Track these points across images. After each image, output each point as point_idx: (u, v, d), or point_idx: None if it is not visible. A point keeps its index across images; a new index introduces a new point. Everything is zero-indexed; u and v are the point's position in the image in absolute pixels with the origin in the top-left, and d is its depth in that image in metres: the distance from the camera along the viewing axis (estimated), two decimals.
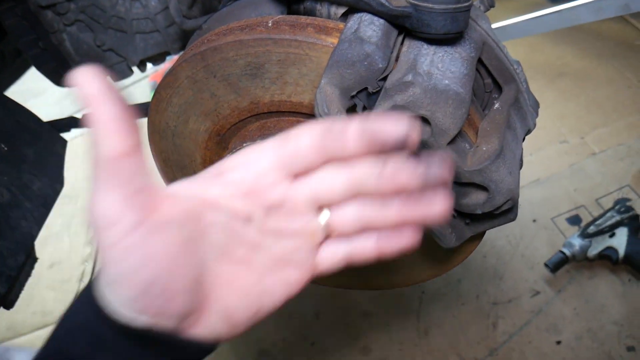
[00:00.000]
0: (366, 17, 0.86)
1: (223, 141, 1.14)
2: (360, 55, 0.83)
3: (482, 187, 0.90)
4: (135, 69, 2.14)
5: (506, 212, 0.95)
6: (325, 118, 0.86)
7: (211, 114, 1.08)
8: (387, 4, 0.83)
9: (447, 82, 0.83)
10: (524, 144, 1.03)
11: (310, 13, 1.00)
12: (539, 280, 2.24)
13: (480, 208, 0.92)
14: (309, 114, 1.02)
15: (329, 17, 0.97)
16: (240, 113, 1.06)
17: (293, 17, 0.94)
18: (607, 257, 2.14)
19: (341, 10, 0.95)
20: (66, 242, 3.41)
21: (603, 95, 2.98)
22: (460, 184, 0.91)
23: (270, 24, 0.94)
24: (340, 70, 0.85)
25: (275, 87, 0.98)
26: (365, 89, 0.86)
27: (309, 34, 0.90)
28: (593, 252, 2.17)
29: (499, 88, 1.02)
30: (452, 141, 0.86)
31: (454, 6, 0.79)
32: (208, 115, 1.09)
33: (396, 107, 0.83)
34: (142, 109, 2.09)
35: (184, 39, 2.03)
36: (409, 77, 0.81)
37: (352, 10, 0.90)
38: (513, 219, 0.99)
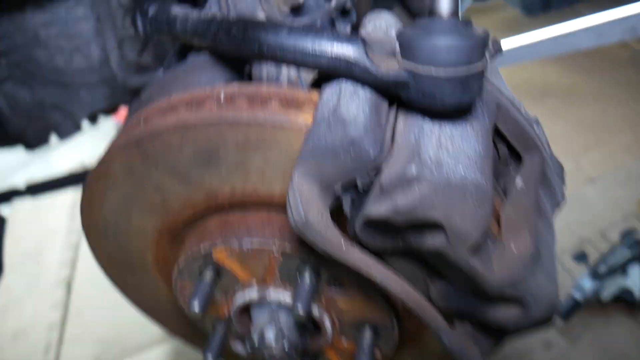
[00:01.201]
0: (347, 86, 0.65)
1: (177, 238, 0.91)
2: (343, 142, 0.61)
3: (515, 299, 0.68)
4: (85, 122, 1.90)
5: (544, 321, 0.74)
6: (303, 226, 0.63)
7: (158, 210, 0.85)
8: (374, 70, 0.61)
9: (462, 170, 0.61)
10: None
11: (274, 80, 0.79)
12: (550, 330, 2.02)
13: (513, 324, 0.70)
14: (281, 207, 0.80)
15: (297, 84, 0.75)
16: (194, 207, 0.83)
17: (251, 88, 0.72)
18: (622, 300, 1.95)
19: (313, 76, 0.73)
20: (29, 308, 3.12)
21: (591, 114, 2.82)
22: (486, 298, 0.69)
23: (222, 97, 0.72)
24: (318, 160, 0.63)
25: (235, 176, 0.76)
26: (354, 183, 0.65)
27: (273, 110, 0.68)
28: (606, 294, 1.97)
29: (516, 153, 0.81)
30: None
31: (466, 69, 0.58)
32: (154, 211, 0.86)
33: (398, 211, 0.61)
34: None
35: (136, 88, 1.80)
36: (412, 170, 0.60)
37: (327, 76, 0.68)
38: (550, 325, 0.77)
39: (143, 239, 0.92)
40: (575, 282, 2.04)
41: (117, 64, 1.24)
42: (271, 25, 0.65)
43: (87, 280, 3.41)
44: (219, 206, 0.82)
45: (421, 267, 0.73)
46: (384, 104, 0.66)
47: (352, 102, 0.63)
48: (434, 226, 0.62)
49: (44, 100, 1.67)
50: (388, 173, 0.61)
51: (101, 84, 1.68)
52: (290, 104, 0.69)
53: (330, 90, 0.66)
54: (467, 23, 0.59)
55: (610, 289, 1.96)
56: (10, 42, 1.50)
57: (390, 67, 0.62)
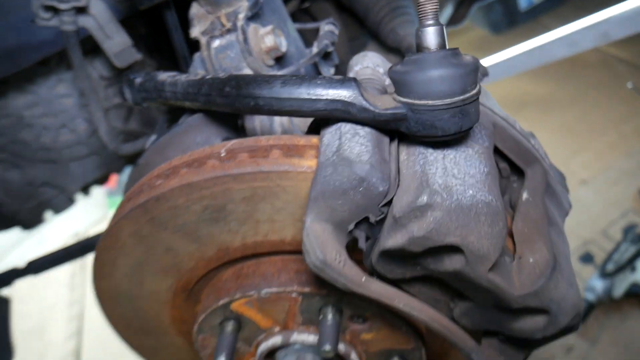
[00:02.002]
0: (346, 127, 0.66)
1: (192, 296, 0.91)
2: (352, 181, 0.62)
3: (539, 309, 0.69)
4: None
5: (570, 327, 0.74)
6: (321, 267, 0.64)
7: (171, 270, 0.85)
8: (372, 108, 0.63)
9: (471, 192, 0.62)
10: None
11: (269, 130, 0.80)
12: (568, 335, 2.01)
13: (541, 333, 0.70)
14: (295, 251, 0.80)
15: (291, 130, 0.76)
16: (207, 263, 0.83)
17: (251, 140, 0.73)
18: (635, 295, 1.95)
19: (309, 122, 0.75)
20: None
21: (572, 119, 2.88)
22: (511, 311, 0.69)
23: (223, 154, 0.72)
24: (329, 201, 0.64)
25: (245, 228, 0.76)
26: (366, 218, 0.65)
27: (275, 160, 0.69)
28: (618, 291, 1.97)
29: (517, 169, 0.82)
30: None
31: (462, 97, 0.60)
32: (167, 272, 0.85)
33: (415, 240, 0.61)
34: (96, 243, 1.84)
35: (126, 156, 1.81)
36: (424, 199, 0.60)
37: (324, 121, 0.69)
38: (576, 330, 0.77)
39: (158, 301, 0.91)
40: (586, 284, 2.04)
41: (106, 134, 1.25)
42: (264, 79, 0.66)
43: (96, 348, 3.34)
44: (232, 259, 0.82)
45: (441, 290, 0.73)
46: (385, 139, 0.68)
47: (354, 141, 0.65)
48: (452, 249, 0.63)
49: (35, 179, 1.67)
50: (400, 204, 0.62)
51: (90, 156, 1.68)
52: (292, 151, 0.70)
53: (331, 133, 0.67)
54: (455, 52, 0.61)
55: (621, 286, 1.96)
56: None
57: (386, 104, 0.64)
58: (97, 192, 3.99)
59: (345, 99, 0.63)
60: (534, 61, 1.57)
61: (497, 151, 0.80)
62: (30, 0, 1.14)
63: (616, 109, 2.81)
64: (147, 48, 1.55)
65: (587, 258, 2.19)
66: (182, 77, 0.83)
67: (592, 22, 1.43)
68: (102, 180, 1.88)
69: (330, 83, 0.64)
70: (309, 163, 0.68)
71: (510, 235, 0.75)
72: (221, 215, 0.75)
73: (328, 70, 1.06)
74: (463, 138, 0.68)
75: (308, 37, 1.34)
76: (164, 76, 0.89)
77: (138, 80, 0.94)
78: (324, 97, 0.64)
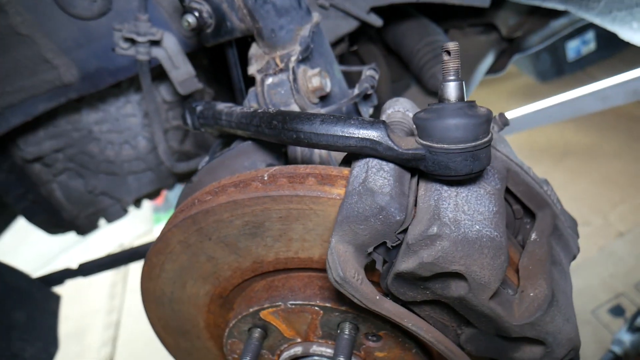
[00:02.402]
0: (373, 162, 0.76)
1: (227, 303, 1.01)
2: (373, 209, 0.72)
3: (537, 340, 0.76)
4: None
5: None
6: (341, 282, 0.73)
7: (210, 277, 0.96)
8: (396, 147, 0.73)
9: (477, 227, 0.71)
10: None
11: (309, 159, 0.91)
12: None
13: None
14: (320, 269, 0.90)
15: (329, 162, 0.87)
16: (242, 274, 0.94)
17: (291, 168, 0.84)
18: None
19: (343, 155, 0.85)
20: None
21: (615, 170, 2.88)
22: (511, 339, 0.77)
23: (266, 178, 0.84)
24: (352, 226, 0.73)
25: (279, 244, 0.87)
26: (384, 242, 0.74)
27: (310, 186, 0.80)
28: None
29: (530, 212, 0.90)
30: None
31: (474, 144, 0.69)
32: (207, 279, 0.96)
33: (424, 265, 0.70)
34: (143, 252, 1.98)
35: (178, 174, 1.96)
36: (434, 229, 0.69)
37: (355, 155, 0.80)
38: None
39: (196, 305, 1.02)
40: (614, 336, 2.04)
41: (164, 153, 1.39)
42: (306, 116, 0.77)
43: (128, 357, 3.47)
44: (264, 271, 0.92)
45: (449, 315, 0.81)
46: (407, 175, 0.77)
47: (378, 175, 0.74)
48: (457, 276, 0.71)
49: (96, 188, 1.83)
50: (413, 233, 0.71)
51: (147, 171, 1.84)
52: (325, 179, 0.81)
53: (359, 166, 0.77)
54: (471, 105, 0.71)
55: None
56: (67, 139, 1.68)
57: (409, 144, 0.74)
58: (145, 207, 4.21)
59: (374, 138, 0.74)
60: (566, 113, 1.63)
61: (511, 194, 0.89)
62: (112, 31, 1.31)
63: None
64: (207, 78, 1.71)
65: (617, 311, 2.19)
66: (237, 109, 0.96)
67: (623, 80, 1.49)
68: (154, 195, 2.04)
69: (362, 124, 0.74)
70: (338, 191, 0.79)
71: (518, 271, 0.82)
72: (259, 231, 0.85)
73: (367, 110, 1.17)
74: (476, 179, 0.77)
75: (354, 78, 1.46)
76: (222, 106, 1.02)
77: (199, 108, 1.07)
78: (356, 136, 0.74)
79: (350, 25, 1.49)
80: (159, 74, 1.51)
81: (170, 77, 1.39)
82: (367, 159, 0.77)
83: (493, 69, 1.89)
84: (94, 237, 4.08)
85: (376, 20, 1.50)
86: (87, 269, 1.89)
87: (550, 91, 3.41)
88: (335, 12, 1.45)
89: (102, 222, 2.03)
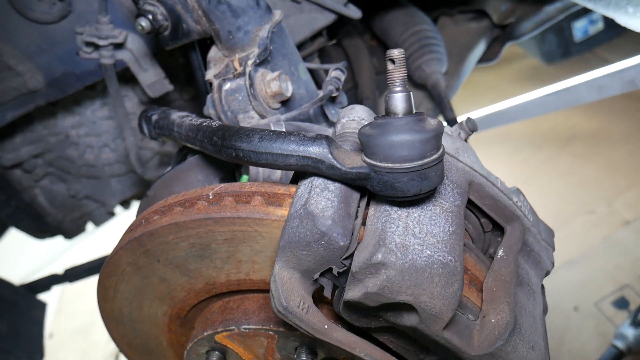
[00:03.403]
0: (318, 182, 0.70)
1: (186, 322, 0.97)
2: (314, 235, 0.66)
3: None
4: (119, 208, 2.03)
5: None
6: (284, 313, 0.68)
7: (166, 298, 0.91)
8: (339, 166, 0.67)
9: (429, 252, 0.65)
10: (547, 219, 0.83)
11: (269, 174, 0.85)
12: None
13: None
14: None
15: (283, 179, 0.81)
16: (197, 295, 0.89)
17: (237, 185, 0.78)
18: None
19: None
20: None
21: (621, 155, 2.78)
22: None
23: (211, 197, 0.78)
24: (295, 251, 0.68)
25: (229, 266, 0.82)
26: (330, 268, 0.69)
27: (254, 207, 0.74)
28: None
29: (500, 225, 0.84)
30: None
31: (421, 162, 0.63)
32: (163, 299, 0.92)
33: (369, 295, 0.64)
34: None
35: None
36: (378, 257, 0.64)
37: (302, 172, 0.74)
38: None
39: (156, 325, 0.97)
40: (617, 330, 1.97)
41: (135, 160, 1.35)
42: (244, 132, 0.72)
43: None
44: (217, 293, 0.87)
45: (409, 341, 0.76)
46: (355, 195, 0.71)
47: (321, 196, 0.69)
48: (407, 306, 0.65)
49: (79, 193, 1.80)
50: (357, 260, 0.66)
51: (129, 174, 1.80)
52: (272, 198, 0.75)
53: (305, 185, 0.71)
54: (419, 118, 0.64)
55: None
56: (45, 144, 1.64)
57: (354, 162, 0.68)
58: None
59: (316, 156, 0.68)
60: (563, 104, 1.55)
61: (478, 207, 0.82)
62: (75, 35, 1.26)
63: None
64: (185, 77, 1.65)
65: (621, 303, 2.11)
66: (187, 120, 0.90)
67: (619, 69, 1.41)
68: (141, 195, 2.00)
69: (303, 140, 0.69)
70: (282, 212, 0.73)
71: (482, 290, 0.76)
72: (206, 253, 0.80)
73: (335, 112, 1.10)
74: (431, 197, 0.70)
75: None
76: (175, 116, 0.96)
77: (154, 117, 1.01)
78: (295, 154, 0.68)
79: (327, 19, 1.42)
80: (133, 74, 1.46)
81: (138, 79, 1.34)
82: (312, 178, 0.71)
83: (485, 58, 1.80)
84: (89, 240, 4.03)
85: (355, 12, 1.43)
86: (74, 274, 1.87)
87: (557, 73, 3.30)
88: (309, 6, 1.38)
89: (91, 226, 2.01)
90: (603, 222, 2.52)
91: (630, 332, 1.91)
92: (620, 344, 1.92)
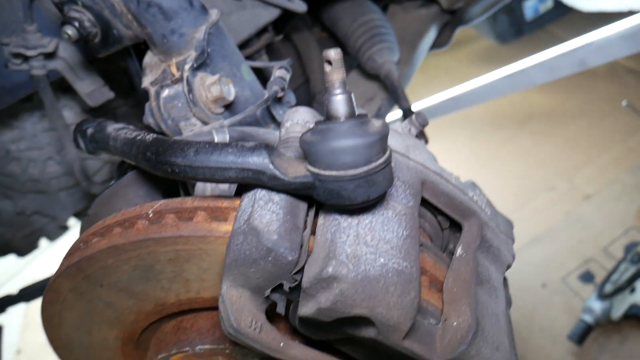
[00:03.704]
0: (261, 194, 0.66)
1: (141, 344, 0.92)
2: (260, 251, 0.62)
3: None
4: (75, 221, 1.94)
5: None
6: (235, 334, 0.64)
7: (115, 322, 0.86)
8: (281, 176, 0.63)
9: (382, 260, 0.62)
10: (510, 198, 0.81)
11: (215, 186, 0.81)
12: (567, 356, 1.97)
13: None
14: None
15: (227, 191, 0.77)
16: (147, 317, 0.84)
17: (177, 201, 0.74)
18: (634, 317, 1.89)
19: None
20: None
21: (578, 131, 2.81)
22: None
23: (151, 215, 0.73)
24: (242, 269, 0.64)
25: (177, 285, 0.77)
26: (282, 284, 0.65)
27: (197, 223, 0.70)
28: (617, 313, 1.92)
29: (457, 223, 0.81)
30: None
31: (366, 168, 0.59)
32: (112, 324, 0.86)
33: (322, 311, 0.61)
34: None
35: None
36: (329, 270, 0.60)
37: (245, 184, 0.70)
38: None
39: (109, 349, 0.92)
40: (584, 304, 2.00)
41: (79, 173, 1.28)
42: (179, 146, 0.67)
43: None
44: (170, 312, 0.83)
45: (371, 352, 0.73)
46: (302, 205, 0.67)
47: (265, 209, 0.64)
48: (363, 319, 0.62)
49: (26, 209, 1.71)
50: (308, 275, 0.62)
51: (78, 186, 1.72)
52: (215, 212, 0.71)
53: (248, 197, 0.67)
54: (362, 121, 0.61)
55: (620, 308, 1.91)
56: None
57: (298, 171, 0.63)
58: None
59: (255, 168, 0.63)
60: (514, 86, 1.54)
61: (433, 205, 0.79)
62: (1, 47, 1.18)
63: (623, 122, 2.74)
64: (129, 82, 1.57)
65: (587, 277, 2.15)
66: (122, 133, 0.84)
67: (569, 49, 1.40)
68: None
69: (241, 152, 0.64)
70: (227, 227, 0.69)
71: (442, 290, 0.74)
72: (151, 274, 0.75)
73: (282, 113, 1.06)
74: (382, 200, 0.67)
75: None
76: (111, 129, 0.90)
77: (89, 130, 0.95)
78: (234, 166, 0.64)
79: (271, 14, 1.37)
80: None
81: (76, 89, 1.26)
82: (255, 190, 0.67)
83: (437, 44, 1.78)
84: (46, 255, 3.86)
85: (299, 6, 1.38)
86: (29, 293, 1.78)
87: (511, 53, 3.32)
88: (251, 2, 1.32)
89: (45, 242, 1.92)
90: (564, 197, 2.55)
91: (597, 305, 1.94)
92: (588, 318, 1.95)
